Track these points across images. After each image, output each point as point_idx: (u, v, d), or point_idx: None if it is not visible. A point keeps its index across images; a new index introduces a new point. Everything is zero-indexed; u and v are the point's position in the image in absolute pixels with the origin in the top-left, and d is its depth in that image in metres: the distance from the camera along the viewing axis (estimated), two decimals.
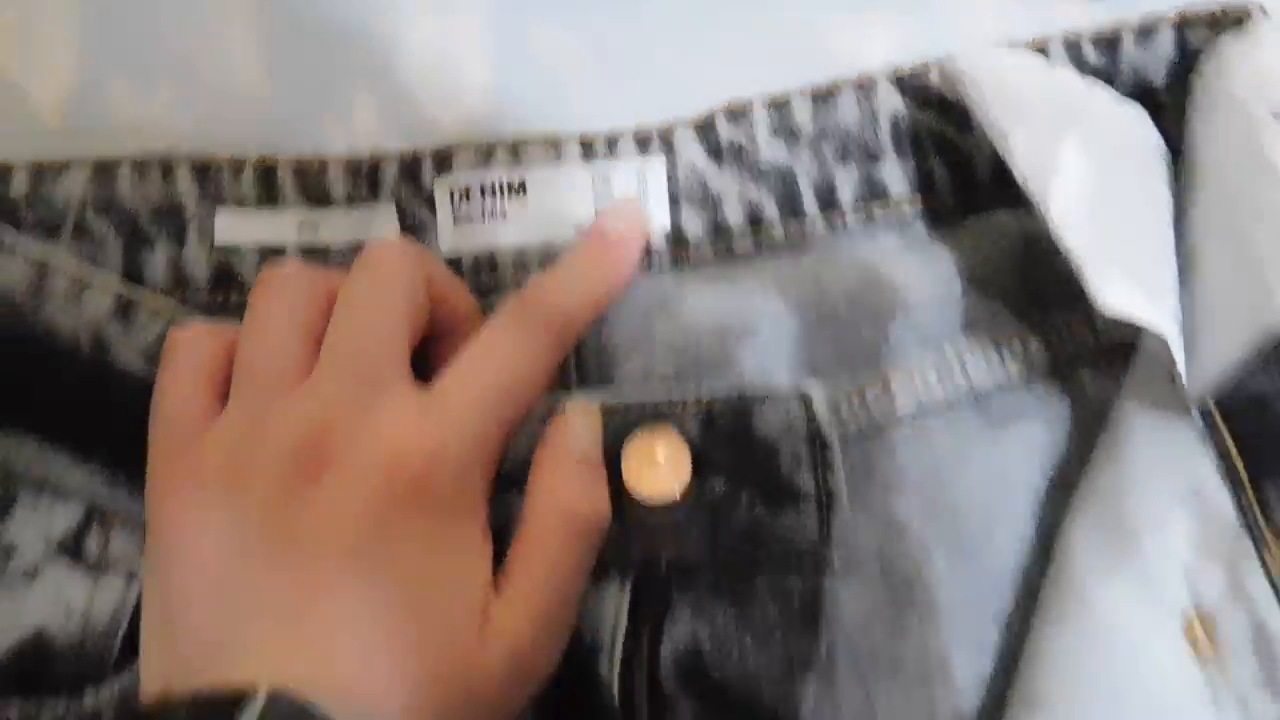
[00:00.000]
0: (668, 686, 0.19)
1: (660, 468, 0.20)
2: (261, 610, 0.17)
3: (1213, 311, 0.18)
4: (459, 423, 0.18)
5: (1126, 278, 0.18)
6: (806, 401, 0.21)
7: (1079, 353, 0.22)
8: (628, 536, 0.20)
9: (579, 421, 0.20)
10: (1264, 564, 0.17)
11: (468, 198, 0.23)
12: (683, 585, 0.20)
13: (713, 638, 0.20)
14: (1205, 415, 0.18)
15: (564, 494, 0.19)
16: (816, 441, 0.21)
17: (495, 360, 0.19)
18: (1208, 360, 0.18)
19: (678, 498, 0.20)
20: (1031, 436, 0.22)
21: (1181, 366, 0.18)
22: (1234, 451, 0.18)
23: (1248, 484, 0.18)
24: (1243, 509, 0.18)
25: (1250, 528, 0.18)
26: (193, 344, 0.20)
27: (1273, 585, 0.17)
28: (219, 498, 0.18)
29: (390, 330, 0.19)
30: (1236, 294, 0.18)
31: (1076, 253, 0.19)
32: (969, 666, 0.20)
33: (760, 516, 0.20)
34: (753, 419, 0.21)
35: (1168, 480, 0.19)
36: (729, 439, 0.21)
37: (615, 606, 0.20)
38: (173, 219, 0.23)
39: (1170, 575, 0.18)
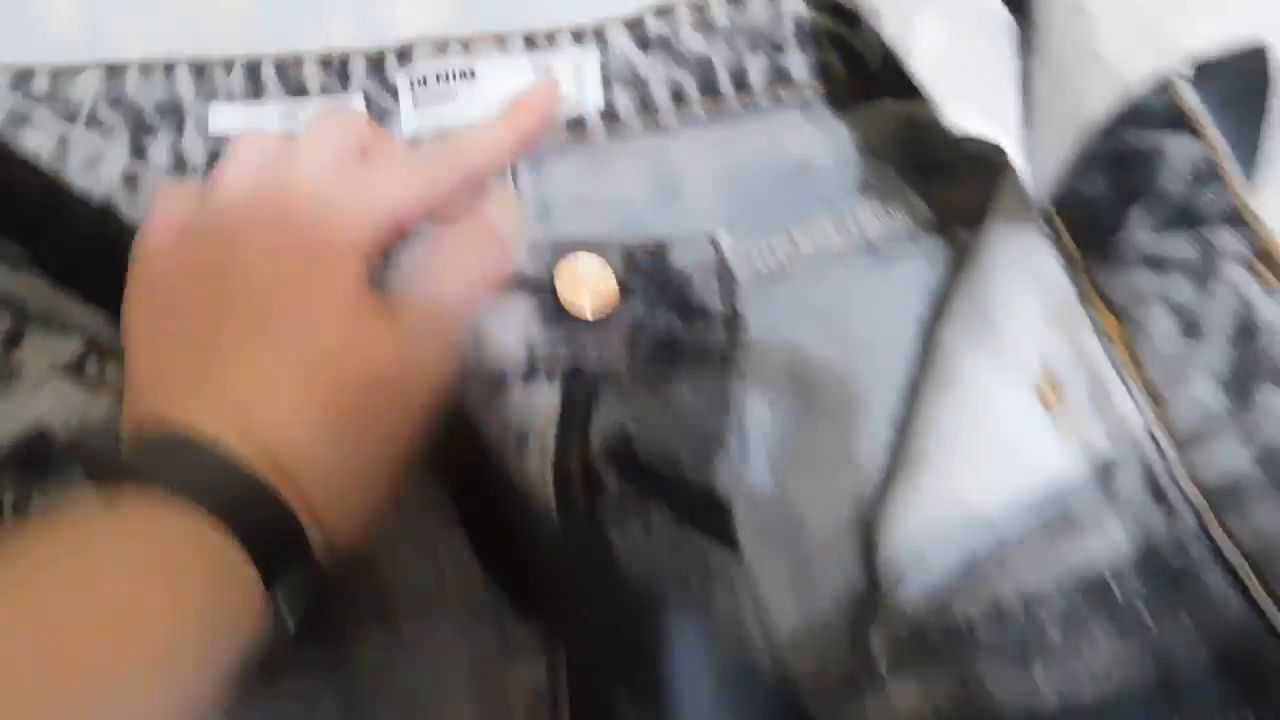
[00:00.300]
0: (599, 466, 0.23)
1: (588, 289, 0.24)
2: (184, 379, 0.21)
3: (1046, 130, 0.22)
4: (349, 196, 0.23)
5: (973, 105, 0.22)
6: (716, 244, 0.25)
7: (955, 212, 0.26)
8: (558, 346, 0.24)
9: (500, 199, 0.25)
10: (1097, 328, 0.21)
11: (425, 84, 0.27)
12: (609, 382, 0.23)
13: (637, 423, 0.23)
14: (1049, 219, 0.22)
15: (462, 253, 0.24)
16: (724, 274, 0.24)
17: (395, 169, 0.24)
18: (1045, 171, 0.22)
19: (604, 316, 0.24)
20: (916, 275, 0.26)
21: (1023, 174, 0.22)
22: (1071, 242, 0.22)
23: (1082, 267, 0.21)
24: (1080, 287, 0.21)
25: (1085, 301, 0.21)
26: (172, 197, 0.24)
27: (1102, 343, 0.21)
28: (163, 297, 0.23)
29: (319, 148, 0.23)
30: (1061, 112, 0.22)
31: (931, 90, 0.23)
32: (867, 456, 0.24)
33: (675, 331, 0.24)
34: (670, 256, 0.25)
35: (1020, 272, 0.22)
36: (648, 271, 0.24)
37: (547, 401, 0.23)
38: (173, 112, 0.27)
39: (1024, 347, 0.22)
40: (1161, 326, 0.20)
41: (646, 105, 0.27)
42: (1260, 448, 0.18)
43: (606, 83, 0.27)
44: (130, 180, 0.26)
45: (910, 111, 0.27)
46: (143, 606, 0.17)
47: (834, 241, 0.26)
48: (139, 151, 0.27)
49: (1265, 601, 0.17)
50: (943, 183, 0.27)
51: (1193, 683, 0.17)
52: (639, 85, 0.27)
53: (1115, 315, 0.21)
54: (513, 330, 0.23)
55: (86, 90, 0.27)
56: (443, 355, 0.22)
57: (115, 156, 0.26)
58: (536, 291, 0.24)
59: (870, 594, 0.22)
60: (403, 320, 0.22)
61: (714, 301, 0.24)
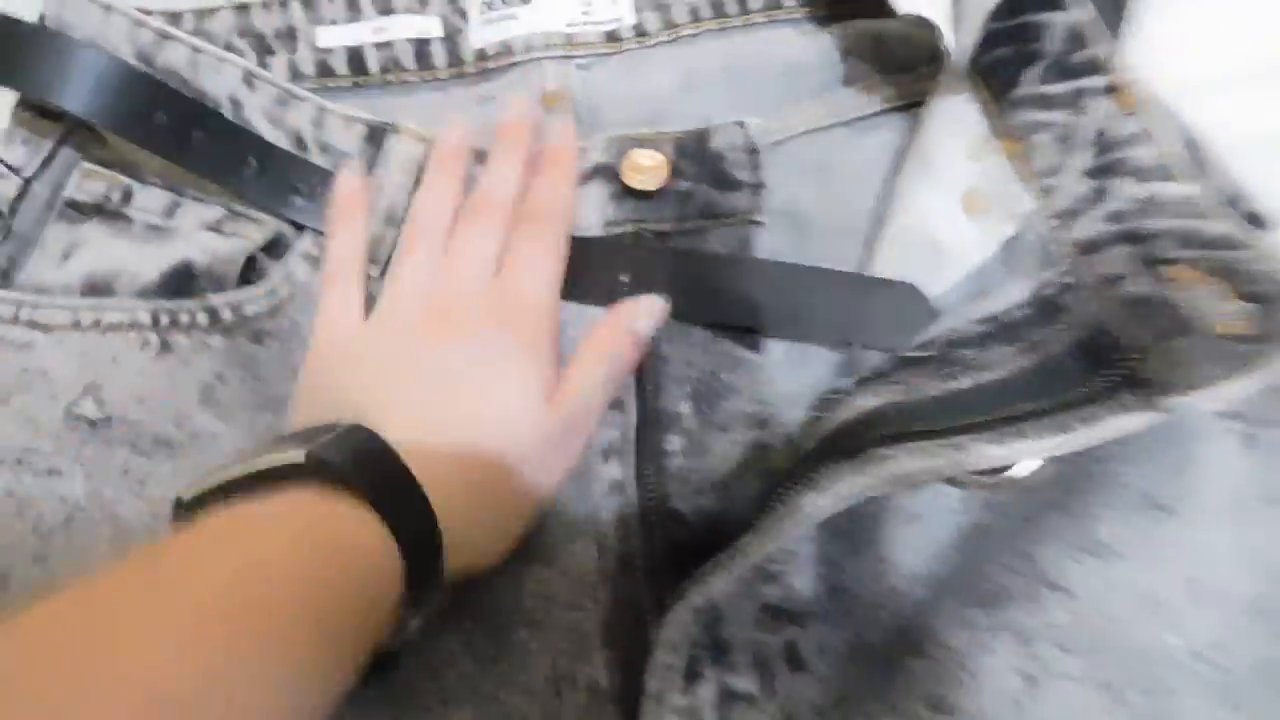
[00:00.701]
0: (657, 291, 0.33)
1: (646, 172, 0.34)
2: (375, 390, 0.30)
3: (969, 11, 0.33)
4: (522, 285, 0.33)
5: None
6: (744, 126, 0.35)
7: (912, 97, 0.37)
8: (627, 215, 0.34)
9: (640, 307, 0.33)
10: (1003, 151, 0.31)
11: (491, 8, 0.38)
12: (664, 236, 0.34)
13: (684, 260, 0.33)
14: (969, 77, 0.33)
15: (611, 346, 0.32)
16: (752, 151, 0.35)
17: (535, 249, 0.33)
18: (966, 43, 0.33)
19: (660, 190, 0.34)
20: (882, 142, 0.36)
21: (951, 45, 0.32)
22: (985, 94, 0.32)
23: (993, 111, 0.32)
24: (991, 125, 0.32)
25: (995, 135, 0.31)
26: (350, 281, 0.34)
27: (1008, 162, 0.31)
28: (362, 377, 0.31)
29: (483, 240, 0.33)
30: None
31: None
32: (843, 261, 0.34)
33: (714, 198, 0.34)
34: (709, 140, 0.35)
35: (949, 126, 0.33)
36: (692, 153, 0.35)
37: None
38: (289, 37, 0.38)
39: (952, 176, 0.32)
40: (1045, 144, 0.30)
41: (670, 23, 0.38)
42: (1111, 217, 0.28)
43: (638, 7, 0.38)
44: (249, 79, 0.37)
45: (876, 30, 0.38)
46: (306, 578, 0.23)
47: (820, 121, 0.37)
48: (262, 66, 0.38)
49: (1106, 300, 0.27)
50: (903, 77, 0.37)
51: (1059, 362, 0.27)
52: (663, 8, 0.38)
53: (1014, 141, 0.31)
54: (593, 205, 0.34)
55: (221, 24, 0.38)
56: (579, 441, 0.31)
57: (237, 60, 0.37)
58: (609, 175, 0.35)
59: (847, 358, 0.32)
60: (559, 415, 0.30)
61: (743, 174, 0.35)
